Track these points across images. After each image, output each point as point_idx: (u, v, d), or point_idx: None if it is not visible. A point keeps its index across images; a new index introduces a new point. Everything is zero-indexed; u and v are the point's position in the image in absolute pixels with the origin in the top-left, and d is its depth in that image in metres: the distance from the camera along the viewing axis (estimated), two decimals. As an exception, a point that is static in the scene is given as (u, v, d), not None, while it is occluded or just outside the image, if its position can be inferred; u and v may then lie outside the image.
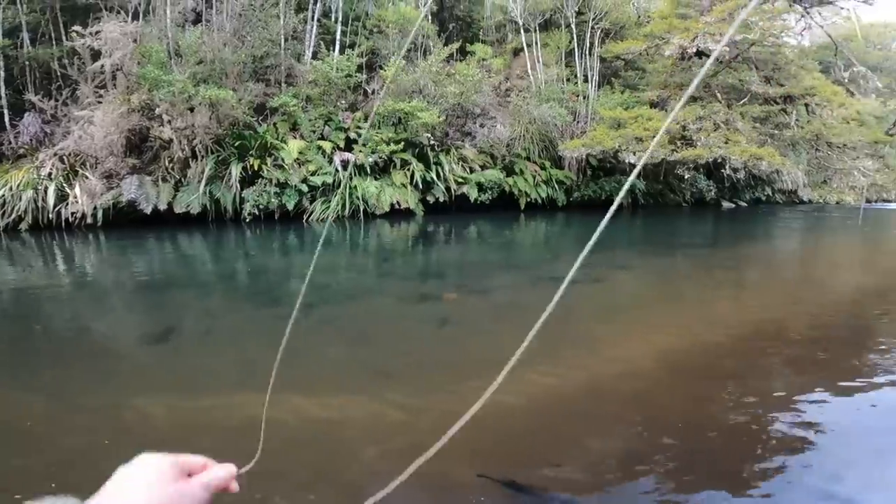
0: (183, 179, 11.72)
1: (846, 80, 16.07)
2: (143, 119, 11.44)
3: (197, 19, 13.05)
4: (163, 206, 11.20)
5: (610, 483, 2.39)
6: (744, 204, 22.63)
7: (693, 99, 14.94)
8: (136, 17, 12.00)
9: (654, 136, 13.40)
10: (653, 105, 15.45)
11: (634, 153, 13.62)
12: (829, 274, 8.04)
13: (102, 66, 11.26)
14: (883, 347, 4.22)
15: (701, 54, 14.65)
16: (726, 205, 21.29)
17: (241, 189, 11.92)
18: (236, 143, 12.06)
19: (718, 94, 14.52)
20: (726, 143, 13.28)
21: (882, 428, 2.90)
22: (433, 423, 2.85)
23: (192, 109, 11.55)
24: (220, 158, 11.94)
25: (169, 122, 11.34)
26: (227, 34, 12.67)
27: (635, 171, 0.71)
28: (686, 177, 19.38)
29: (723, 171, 16.86)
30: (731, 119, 13.63)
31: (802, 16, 14.04)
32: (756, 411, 3.07)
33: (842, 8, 14.73)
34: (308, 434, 2.85)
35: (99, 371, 3.84)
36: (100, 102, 11.31)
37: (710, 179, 20.58)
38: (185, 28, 12.79)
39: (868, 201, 21.64)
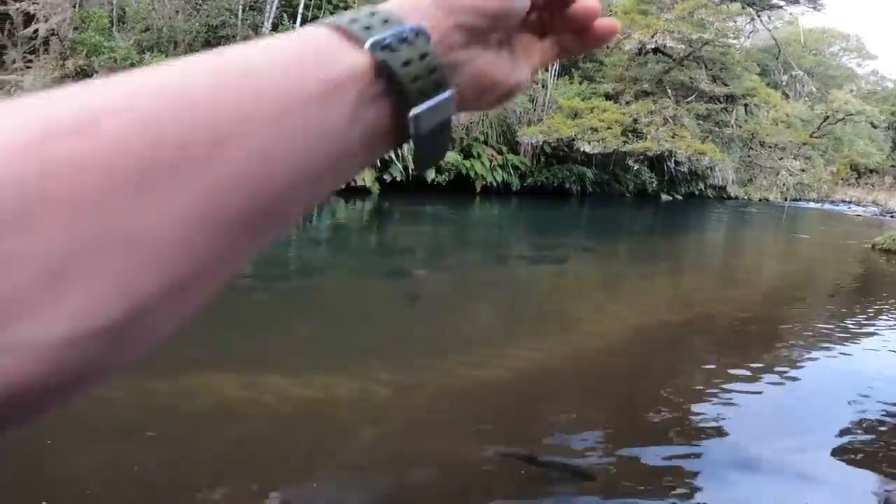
0: (119, 150, 10.90)
1: (784, 84, 17.27)
2: (78, 86, 10.51)
3: (147, -16, 12.09)
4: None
5: (607, 452, 2.51)
6: (679, 197, 23.88)
7: (646, 93, 15.53)
8: (79, -19, 10.93)
9: (608, 127, 13.86)
10: (608, 97, 15.91)
11: (589, 142, 14.03)
12: (757, 264, 8.73)
13: (36, 31, 10.20)
14: (802, 326, 4.74)
15: (657, 51, 15.20)
16: (665, 197, 22.38)
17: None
18: (181, 113, 11.32)
19: (669, 91, 15.18)
20: (673, 137, 13.94)
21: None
22: (428, 400, 2.85)
23: (134, 77, 10.73)
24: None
25: (108, 89, 10.47)
26: (180, 1, 11.78)
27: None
28: (635, 168, 20.20)
29: (667, 164, 17.71)
30: (679, 115, 14.31)
31: (753, 18, 14.88)
32: (720, 383, 3.32)
33: (790, 13, 15.74)
34: (295, 416, 2.75)
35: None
36: (29, 68, 10.26)
37: (653, 172, 21.57)
38: (133, -7, 11.83)
39: (792, 200, 23.47)
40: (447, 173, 14.82)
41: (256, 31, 13.30)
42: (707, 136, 15.86)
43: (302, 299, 4.79)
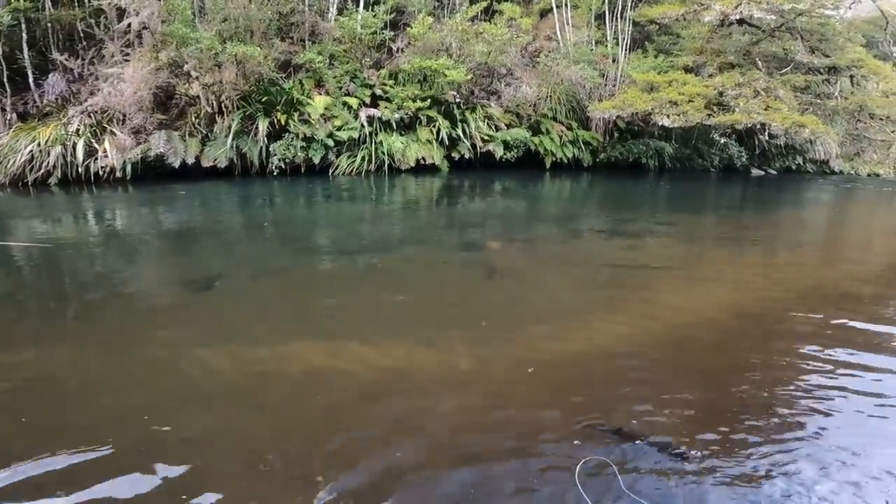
0: (210, 134, 11.68)
1: (894, 55, 15.36)
2: (171, 76, 11.33)
3: (223, -24, 12.69)
4: (190, 160, 11.24)
5: (698, 429, 2.36)
6: (773, 172, 21.98)
7: (731, 66, 14.42)
8: (163, -26, 11.65)
9: (689, 100, 12.97)
10: (687, 70, 14.90)
11: (668, 116, 13.17)
12: (867, 241, 7.82)
13: (129, 24, 11.08)
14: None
15: (742, 22, 14.03)
16: (756, 172, 20.66)
17: (268, 143, 11.86)
18: (263, 99, 11.94)
19: (759, 63, 13.95)
20: (766, 109, 12.80)
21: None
22: (508, 372, 2.80)
23: (219, 66, 11.40)
24: (246, 114, 11.84)
25: (197, 78, 11.21)
26: (253, -9, 12.32)
27: None
28: (721, 142, 18.77)
29: (758, 137, 16.33)
30: (772, 87, 13.10)
31: (855, -12, 13.32)
32: (823, 363, 3.01)
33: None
34: (378, 385, 2.80)
35: (150, 321, 3.64)
36: (127, 61, 11.20)
37: (742, 146, 19.97)
38: (212, -15, 12.45)
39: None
40: (515, 150, 14.59)
41: (323, 16, 13.67)
42: (807, 109, 14.44)
43: (381, 272, 4.85)
